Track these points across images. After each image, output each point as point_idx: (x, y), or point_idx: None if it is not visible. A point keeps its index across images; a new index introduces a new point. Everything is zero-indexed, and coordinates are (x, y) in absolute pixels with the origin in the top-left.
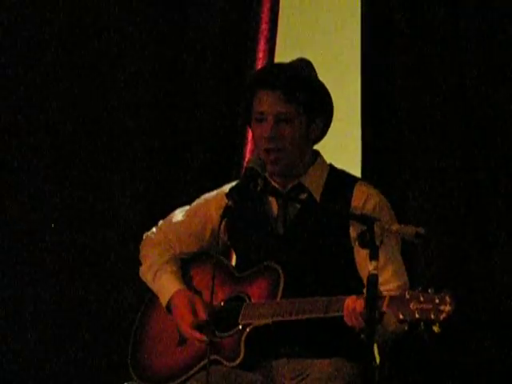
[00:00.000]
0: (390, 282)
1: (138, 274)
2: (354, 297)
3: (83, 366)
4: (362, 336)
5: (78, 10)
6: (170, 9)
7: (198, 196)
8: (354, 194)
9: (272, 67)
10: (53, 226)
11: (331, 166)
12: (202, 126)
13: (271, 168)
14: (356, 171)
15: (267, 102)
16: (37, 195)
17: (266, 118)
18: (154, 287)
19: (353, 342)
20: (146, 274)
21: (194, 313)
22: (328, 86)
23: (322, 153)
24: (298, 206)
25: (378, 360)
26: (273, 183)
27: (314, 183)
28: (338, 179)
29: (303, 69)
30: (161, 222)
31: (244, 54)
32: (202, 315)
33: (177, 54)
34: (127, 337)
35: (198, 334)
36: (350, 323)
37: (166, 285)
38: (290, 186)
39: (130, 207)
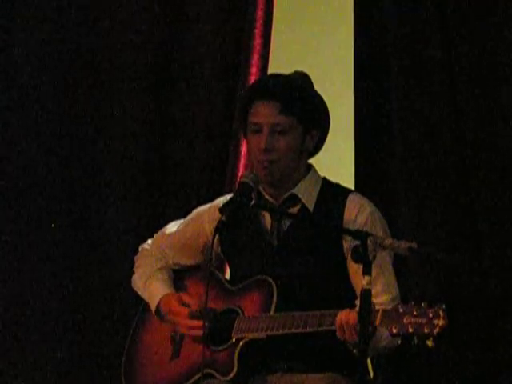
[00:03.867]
0: (382, 295)
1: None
2: (346, 310)
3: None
4: (355, 350)
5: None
6: (162, 22)
7: (191, 210)
8: (346, 206)
9: (269, 78)
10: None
11: (324, 179)
12: (195, 140)
13: (265, 178)
14: (349, 183)
15: (263, 113)
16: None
17: (261, 129)
18: (145, 294)
19: (346, 357)
20: (137, 281)
21: (186, 306)
22: None
23: (316, 165)
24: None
25: (371, 374)
26: (266, 196)
27: (307, 195)
28: (331, 191)
29: (300, 80)
30: (155, 235)
31: (237, 69)
32: (194, 306)
33: (168, 66)
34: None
35: (195, 322)
36: (342, 337)
37: (155, 291)
38: (282, 197)
39: (124, 220)
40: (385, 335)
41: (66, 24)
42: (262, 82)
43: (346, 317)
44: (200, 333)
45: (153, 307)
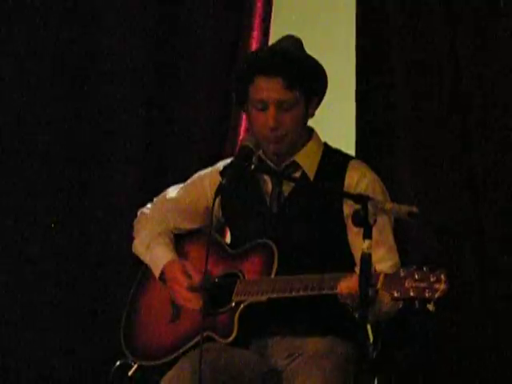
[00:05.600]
0: (382, 262)
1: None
2: (348, 274)
3: (75, 348)
4: (356, 314)
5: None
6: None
7: (192, 174)
8: (347, 173)
9: (268, 52)
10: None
11: (326, 145)
12: (197, 104)
13: (273, 151)
14: (350, 149)
15: (267, 90)
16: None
17: (267, 106)
18: (147, 259)
19: (347, 321)
20: (138, 246)
21: (189, 277)
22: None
23: (317, 131)
24: (293, 184)
25: (371, 338)
26: (267, 161)
27: (308, 162)
28: (332, 158)
29: (295, 48)
30: (155, 199)
31: (239, 32)
32: (196, 278)
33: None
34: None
35: (192, 295)
36: (344, 301)
37: (159, 255)
38: (284, 164)
39: (126, 184)
40: (386, 300)
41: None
42: (262, 57)
43: (348, 281)
44: (196, 306)
45: (157, 273)
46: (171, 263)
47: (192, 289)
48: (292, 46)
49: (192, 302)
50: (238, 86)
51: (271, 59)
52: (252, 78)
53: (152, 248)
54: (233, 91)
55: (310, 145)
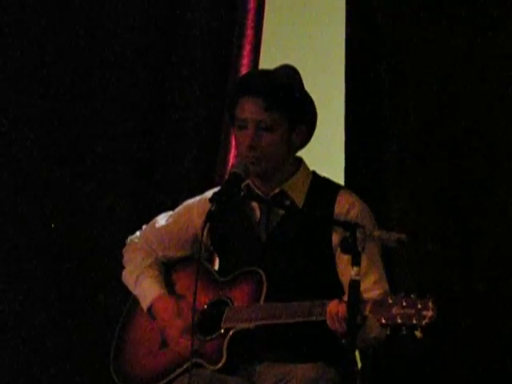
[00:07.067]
0: (372, 290)
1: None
2: (336, 301)
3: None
4: (344, 341)
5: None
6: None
7: (181, 202)
8: (336, 202)
9: (254, 74)
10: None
11: (314, 174)
12: (186, 132)
13: (253, 171)
14: (339, 177)
15: (248, 110)
16: None
17: (246, 125)
18: (136, 291)
19: (335, 347)
20: (127, 278)
21: (181, 317)
22: (312, 92)
23: (306, 158)
24: (281, 212)
25: (359, 365)
26: (256, 190)
27: (297, 191)
28: (321, 187)
29: (287, 76)
30: (144, 227)
31: (228, 60)
32: (187, 317)
33: (160, 64)
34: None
35: (184, 340)
36: (332, 327)
37: (147, 289)
38: (272, 193)
39: (115, 214)
40: (374, 326)
41: (60, 20)
42: (248, 78)
43: (336, 307)
44: (186, 352)
45: (144, 306)
46: (159, 299)
47: (184, 331)
48: (284, 73)
49: (182, 346)
50: (229, 109)
51: (255, 80)
52: (238, 99)
53: (141, 281)
54: (226, 115)
55: (298, 174)
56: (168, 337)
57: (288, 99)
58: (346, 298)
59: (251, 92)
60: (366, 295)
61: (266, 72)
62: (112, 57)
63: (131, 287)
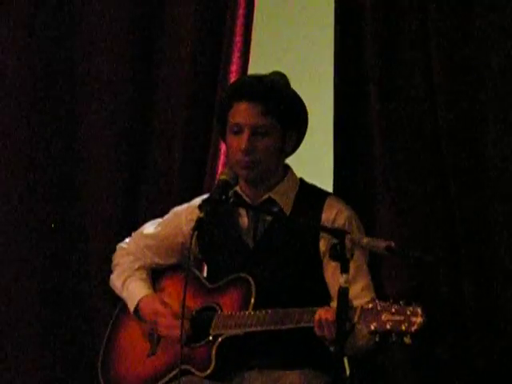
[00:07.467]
0: (358, 298)
1: None
2: (325, 308)
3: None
4: (332, 348)
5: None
6: (143, 18)
7: (169, 209)
8: (324, 209)
9: (249, 79)
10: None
11: (301, 181)
12: (173, 140)
13: (245, 177)
14: (328, 184)
15: (244, 114)
16: None
17: (242, 130)
18: (123, 294)
19: (324, 354)
20: (115, 281)
21: (168, 306)
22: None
23: (295, 165)
24: (269, 219)
25: (347, 371)
26: (244, 197)
27: (285, 197)
28: (309, 194)
29: (280, 81)
30: (133, 233)
31: (217, 67)
32: (175, 307)
33: (148, 68)
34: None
35: (176, 323)
36: (320, 334)
37: (134, 291)
38: (260, 200)
39: (103, 216)
40: (363, 333)
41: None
42: (243, 83)
43: (325, 314)
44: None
45: (131, 307)
46: (147, 298)
47: (176, 316)
48: (277, 79)
49: (177, 329)
50: (220, 114)
51: (252, 85)
52: (232, 104)
53: (128, 284)
54: (215, 122)
55: (286, 181)
56: (160, 326)
57: (283, 104)
58: (333, 304)
59: (247, 96)
60: (354, 302)
61: (261, 77)
62: (98, 59)
63: (118, 290)
